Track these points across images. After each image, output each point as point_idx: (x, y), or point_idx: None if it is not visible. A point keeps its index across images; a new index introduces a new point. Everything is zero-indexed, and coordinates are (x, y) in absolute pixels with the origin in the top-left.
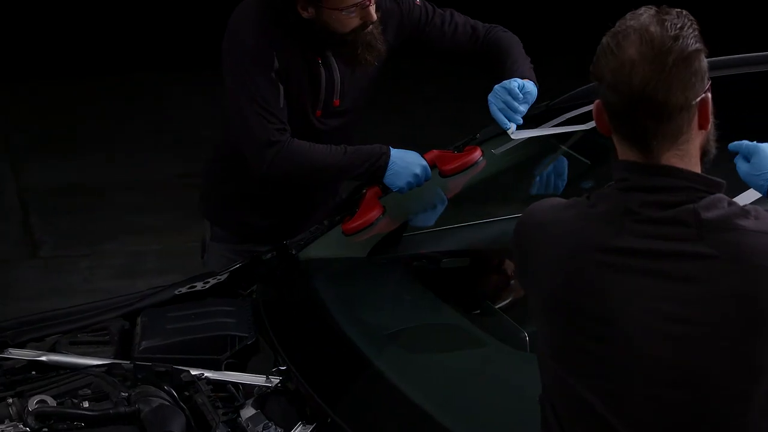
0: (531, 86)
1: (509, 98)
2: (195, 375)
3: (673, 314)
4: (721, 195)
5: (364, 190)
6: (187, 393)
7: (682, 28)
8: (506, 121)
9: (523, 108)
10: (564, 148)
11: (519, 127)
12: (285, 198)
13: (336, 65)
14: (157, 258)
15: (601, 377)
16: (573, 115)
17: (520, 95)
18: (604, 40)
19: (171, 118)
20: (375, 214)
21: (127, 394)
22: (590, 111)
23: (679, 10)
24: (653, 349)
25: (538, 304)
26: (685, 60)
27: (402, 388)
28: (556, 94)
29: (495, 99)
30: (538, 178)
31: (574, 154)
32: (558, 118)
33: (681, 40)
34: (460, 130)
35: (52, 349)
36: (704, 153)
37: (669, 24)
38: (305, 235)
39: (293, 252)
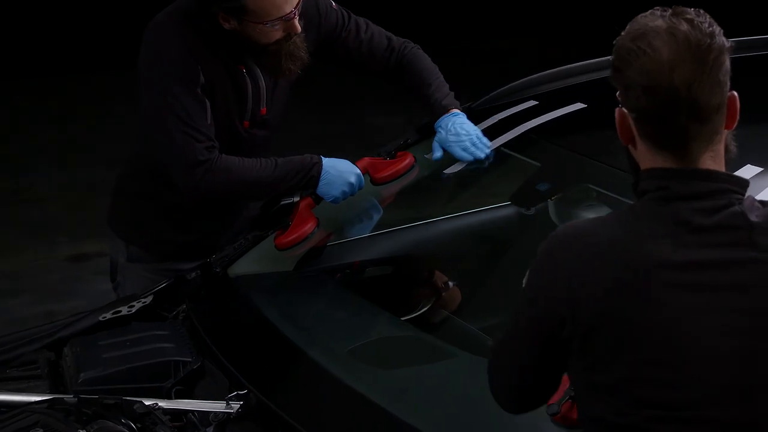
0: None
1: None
2: (149, 405)
3: (739, 328)
4: (750, 195)
5: (295, 200)
6: (140, 425)
7: (711, 25)
8: (471, 156)
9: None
10: (506, 151)
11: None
12: (204, 213)
13: (260, 74)
14: (4, 279)
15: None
16: (503, 116)
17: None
18: (624, 44)
19: None
20: (310, 227)
21: None
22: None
23: (695, 9)
24: (722, 369)
25: (578, 328)
26: (720, 57)
27: (374, 400)
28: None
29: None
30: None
31: (520, 156)
32: (487, 120)
33: (717, 38)
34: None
35: None
36: (726, 152)
37: (697, 22)
38: (229, 251)
39: (218, 270)
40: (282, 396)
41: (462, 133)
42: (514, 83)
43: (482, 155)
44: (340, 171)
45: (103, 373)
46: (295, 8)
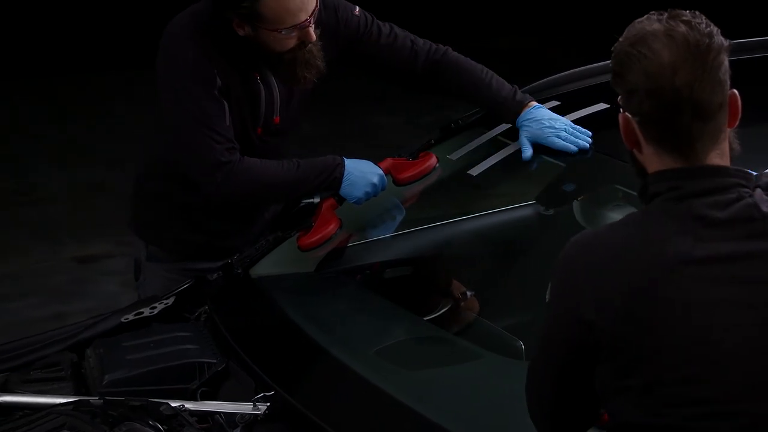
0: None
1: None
2: (175, 407)
3: (764, 319)
4: (758, 188)
5: (316, 201)
6: (166, 427)
7: (708, 25)
8: (574, 146)
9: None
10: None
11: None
12: (221, 213)
13: (275, 83)
14: (10, 281)
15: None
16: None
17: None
18: (623, 49)
19: None
20: (333, 227)
21: None
22: None
23: (690, 11)
24: (754, 361)
25: (605, 331)
26: (720, 57)
27: (403, 401)
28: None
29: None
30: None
31: (544, 157)
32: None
33: (715, 38)
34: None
35: (3, 389)
36: (730, 150)
37: (695, 23)
38: (251, 252)
39: (239, 271)
40: (309, 397)
41: (556, 125)
42: (534, 84)
43: (586, 144)
44: (362, 172)
45: (127, 374)
46: (310, 16)
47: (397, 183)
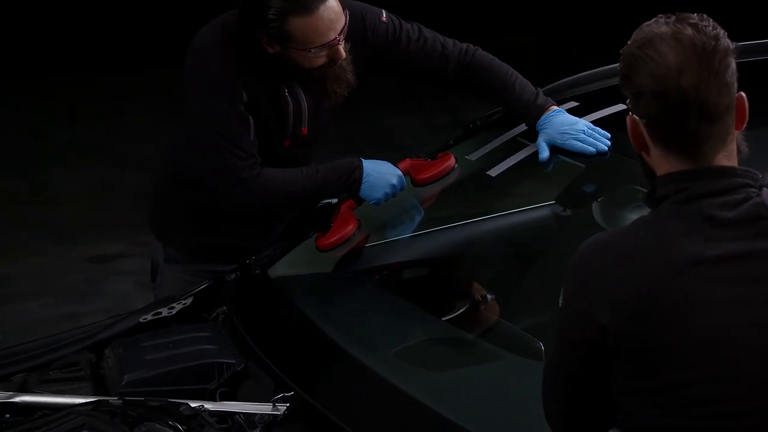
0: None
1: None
2: (195, 407)
3: None
4: (765, 187)
5: (333, 202)
6: (186, 427)
7: (715, 28)
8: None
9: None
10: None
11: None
12: (237, 216)
13: (302, 94)
14: (24, 280)
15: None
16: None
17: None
18: (631, 52)
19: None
20: (351, 228)
21: None
22: None
23: (698, 14)
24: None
25: (619, 334)
26: (726, 59)
27: (423, 401)
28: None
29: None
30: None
31: (563, 157)
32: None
33: (721, 40)
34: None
35: (22, 389)
36: (738, 152)
37: (702, 26)
38: (269, 252)
39: (257, 271)
40: (329, 397)
41: (575, 128)
42: (552, 84)
43: (605, 147)
44: (381, 173)
45: (146, 375)
46: (339, 34)
47: (416, 183)
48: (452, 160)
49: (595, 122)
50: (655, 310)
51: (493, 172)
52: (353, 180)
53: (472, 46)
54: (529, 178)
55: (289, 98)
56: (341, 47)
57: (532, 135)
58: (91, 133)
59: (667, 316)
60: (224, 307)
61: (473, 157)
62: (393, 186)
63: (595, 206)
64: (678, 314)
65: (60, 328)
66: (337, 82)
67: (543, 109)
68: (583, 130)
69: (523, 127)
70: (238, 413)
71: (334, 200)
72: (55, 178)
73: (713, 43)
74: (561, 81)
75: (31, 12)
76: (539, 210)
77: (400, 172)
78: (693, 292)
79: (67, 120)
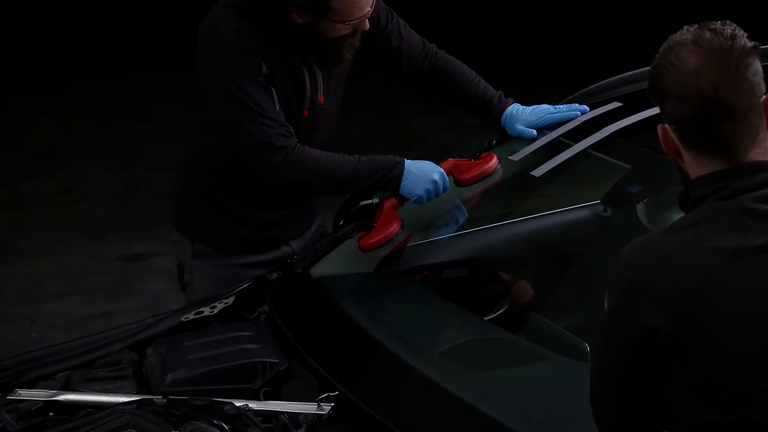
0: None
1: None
2: (239, 406)
3: None
4: None
5: (374, 201)
6: (230, 426)
7: (734, 30)
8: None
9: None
10: (595, 153)
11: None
12: (267, 204)
13: (314, 63)
14: (57, 280)
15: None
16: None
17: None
18: (656, 61)
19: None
20: (395, 228)
21: None
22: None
23: (722, 21)
24: None
25: (669, 334)
26: (746, 58)
27: (470, 401)
28: None
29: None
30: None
31: (608, 158)
32: (572, 122)
33: (738, 40)
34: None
35: (66, 387)
36: None
37: (720, 29)
38: (310, 251)
39: (298, 271)
40: (373, 397)
41: (543, 108)
42: (593, 86)
43: (578, 112)
44: (423, 170)
45: (190, 374)
46: (371, 7)
47: (459, 184)
48: (495, 161)
49: (639, 122)
50: (701, 306)
51: (537, 172)
52: (393, 176)
53: (441, 49)
54: (574, 178)
55: (303, 67)
56: (367, 20)
57: (575, 136)
58: (123, 132)
59: (713, 311)
60: (266, 307)
61: (516, 158)
62: (434, 182)
63: (640, 207)
64: (724, 307)
65: (94, 328)
66: (349, 49)
67: (507, 104)
68: (551, 109)
69: (566, 128)
70: (283, 413)
71: (375, 200)
72: (86, 177)
73: (729, 42)
74: (604, 81)
75: (65, 12)
76: (582, 210)
77: (442, 170)
78: (737, 285)
79: (99, 120)
